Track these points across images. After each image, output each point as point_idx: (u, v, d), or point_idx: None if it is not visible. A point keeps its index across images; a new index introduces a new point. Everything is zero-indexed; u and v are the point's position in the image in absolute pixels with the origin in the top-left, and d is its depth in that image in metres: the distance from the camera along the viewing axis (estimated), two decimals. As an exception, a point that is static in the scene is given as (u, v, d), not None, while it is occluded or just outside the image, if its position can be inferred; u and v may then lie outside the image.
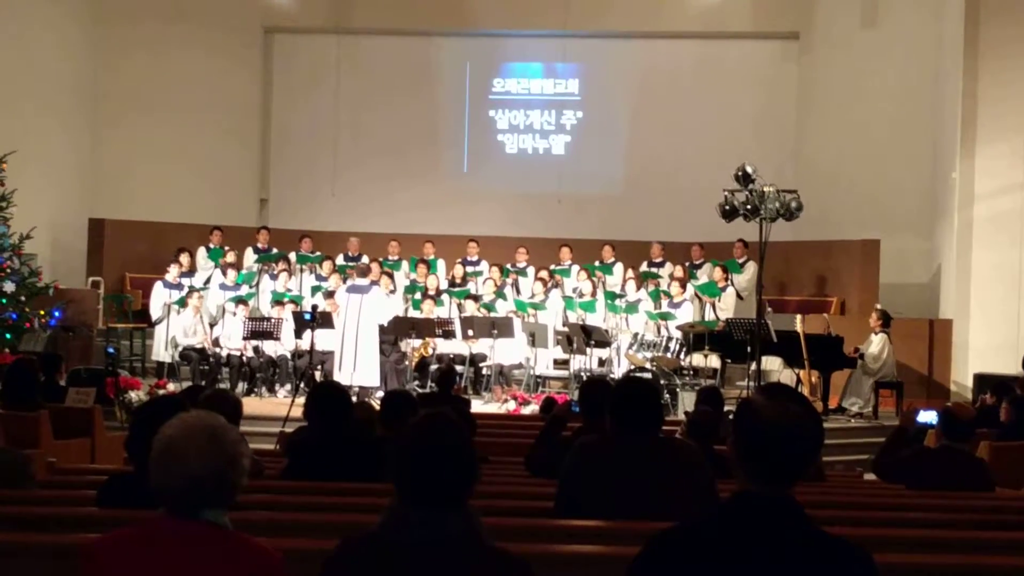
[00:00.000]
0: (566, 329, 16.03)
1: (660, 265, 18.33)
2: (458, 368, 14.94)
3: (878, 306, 16.03)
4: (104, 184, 20.50)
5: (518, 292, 17.75)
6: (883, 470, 7.45)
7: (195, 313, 16.14)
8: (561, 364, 16.59)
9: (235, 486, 3.07)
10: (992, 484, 7.03)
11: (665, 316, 16.12)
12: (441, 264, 18.39)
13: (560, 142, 21.80)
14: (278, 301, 16.39)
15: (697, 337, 15.28)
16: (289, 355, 15.83)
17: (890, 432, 7.94)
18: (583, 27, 21.01)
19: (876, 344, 15.08)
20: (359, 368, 14.83)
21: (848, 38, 20.14)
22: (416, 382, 15.58)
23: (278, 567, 3.12)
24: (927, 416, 7.52)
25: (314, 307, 14.87)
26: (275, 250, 18.33)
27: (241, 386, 15.73)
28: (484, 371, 16.18)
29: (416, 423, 3.22)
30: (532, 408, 14.21)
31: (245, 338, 15.65)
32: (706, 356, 15.38)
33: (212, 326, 16.46)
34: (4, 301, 15.23)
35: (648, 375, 14.14)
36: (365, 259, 17.81)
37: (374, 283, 15.87)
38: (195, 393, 7.83)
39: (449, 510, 3.07)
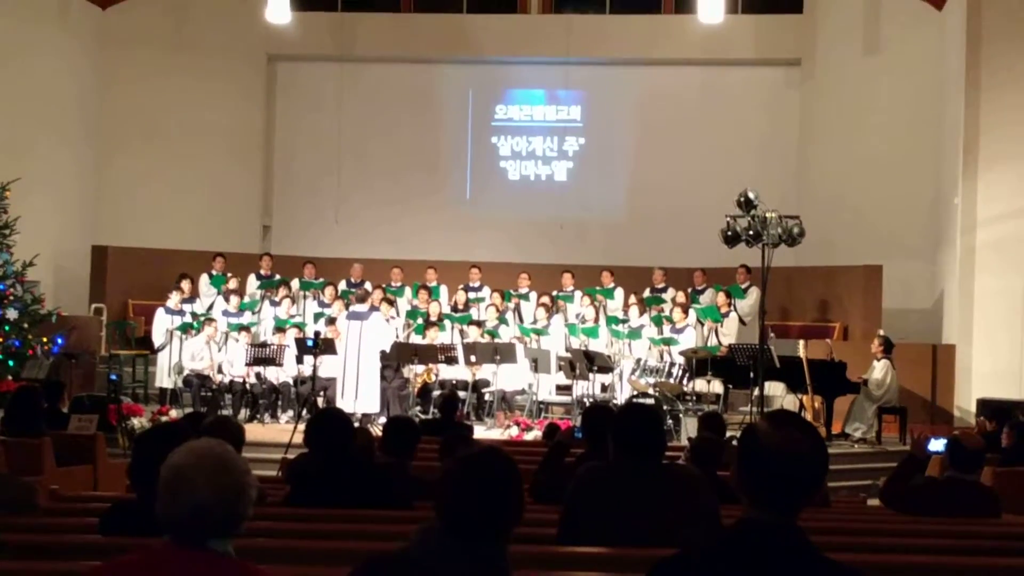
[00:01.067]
0: (569, 355, 16.02)
1: (663, 291, 18.33)
2: (460, 394, 14.93)
3: (880, 332, 16.01)
4: (107, 211, 20.56)
5: (520, 318, 17.76)
6: (892, 500, 7.32)
7: (208, 340, 16.14)
8: (564, 390, 16.57)
9: (242, 516, 3.06)
10: (1000, 513, 6.96)
11: (668, 342, 16.11)
12: (443, 290, 18.40)
13: (562, 168, 21.85)
14: (280, 328, 16.39)
15: (700, 362, 15.27)
16: (292, 381, 15.82)
17: (900, 461, 7.86)
18: (585, 54, 21.11)
19: (879, 370, 15.05)
20: (361, 395, 14.81)
21: (849, 65, 20.21)
22: (418, 408, 15.56)
23: None
24: (937, 445, 7.43)
25: (317, 333, 14.87)
26: (278, 276, 18.33)
27: (244, 412, 15.72)
28: (487, 397, 16.16)
29: (473, 457, 3.21)
30: (535, 434, 14.18)
31: (248, 364, 15.64)
32: (709, 382, 15.36)
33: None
34: (7, 328, 15.24)
35: (651, 401, 14.12)
36: (368, 285, 17.83)
37: (374, 309, 15.88)
38: (196, 419, 7.82)
39: (489, 544, 3.07)
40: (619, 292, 18.08)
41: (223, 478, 3.02)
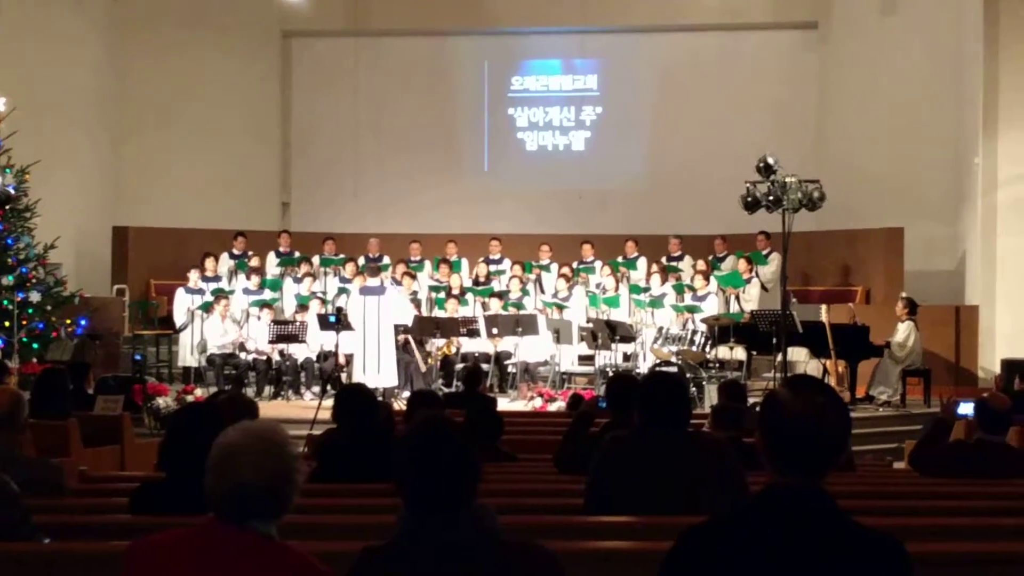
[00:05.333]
0: (590, 325, 16.01)
1: (679, 259, 18.28)
2: (483, 367, 14.95)
3: (903, 295, 15.94)
4: (127, 191, 20.62)
5: (541, 289, 17.75)
6: (922, 464, 7.27)
7: (223, 319, 16.19)
8: (586, 360, 16.57)
9: (287, 499, 3.07)
10: (1026, 472, 6.93)
11: (692, 309, 16.05)
12: (464, 263, 18.40)
13: (580, 138, 21.78)
14: (303, 305, 16.42)
15: (722, 330, 15.22)
16: (315, 357, 15.87)
17: (928, 424, 7.82)
18: (600, 22, 20.99)
19: (902, 332, 15.00)
20: (382, 370, 14.80)
21: (867, 25, 20.04)
22: (441, 381, 15.58)
23: None
24: (967, 407, 7.40)
25: (339, 309, 14.90)
26: (297, 253, 18.37)
27: (268, 389, 15.78)
28: (510, 369, 16.18)
29: (408, 429, 3.22)
30: (558, 405, 14.21)
31: (271, 341, 15.69)
32: (732, 348, 15.33)
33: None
34: (31, 311, 15.31)
35: (674, 369, 14.11)
36: (387, 259, 17.89)
37: (396, 283, 15.92)
38: (222, 398, 7.85)
39: (455, 513, 3.06)
40: (642, 262, 18.03)
41: (270, 461, 3.04)
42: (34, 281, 15.54)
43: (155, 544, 3.11)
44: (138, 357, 15.39)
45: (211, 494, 3.05)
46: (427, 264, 18.34)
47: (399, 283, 16.49)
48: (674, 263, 18.11)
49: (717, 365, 15.27)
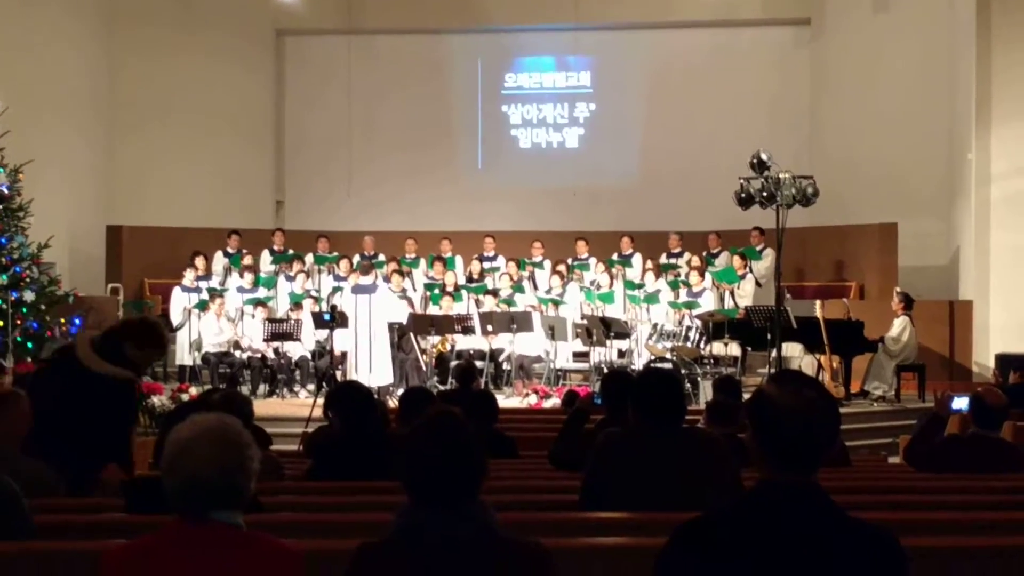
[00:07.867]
0: (585, 322, 16.01)
1: (678, 255, 18.30)
2: (478, 364, 14.94)
3: (899, 289, 15.96)
4: (121, 191, 20.60)
5: (535, 286, 17.76)
6: (916, 459, 7.29)
7: (218, 318, 16.18)
8: (581, 357, 16.57)
9: (243, 488, 3.08)
10: (1023, 468, 6.94)
11: (690, 305, 16.06)
12: (458, 261, 18.40)
13: (574, 135, 21.78)
14: (297, 303, 16.42)
15: (717, 326, 15.23)
16: (309, 355, 15.87)
17: (923, 419, 7.82)
18: (593, 19, 20.99)
19: (897, 327, 15.03)
20: (375, 368, 14.80)
21: (860, 22, 20.06)
22: (436, 379, 15.58)
23: (296, 565, 3.13)
24: (961, 402, 7.41)
25: (333, 307, 14.89)
26: (291, 251, 18.36)
27: (263, 388, 15.77)
28: (504, 366, 16.18)
29: (418, 424, 3.23)
30: (553, 402, 14.20)
31: (266, 340, 15.69)
32: (726, 344, 15.33)
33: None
34: (25, 310, 15.26)
35: (669, 365, 14.11)
36: (382, 257, 17.88)
37: (386, 280, 15.92)
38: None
39: (460, 508, 3.09)
40: (637, 258, 18.05)
41: (221, 450, 3.04)
42: (28, 280, 15.48)
43: (125, 551, 3.13)
44: (132, 356, 15.32)
45: (169, 492, 3.06)
46: (422, 261, 18.33)
47: (388, 280, 16.45)
48: (674, 259, 18.13)
49: (712, 361, 15.27)
